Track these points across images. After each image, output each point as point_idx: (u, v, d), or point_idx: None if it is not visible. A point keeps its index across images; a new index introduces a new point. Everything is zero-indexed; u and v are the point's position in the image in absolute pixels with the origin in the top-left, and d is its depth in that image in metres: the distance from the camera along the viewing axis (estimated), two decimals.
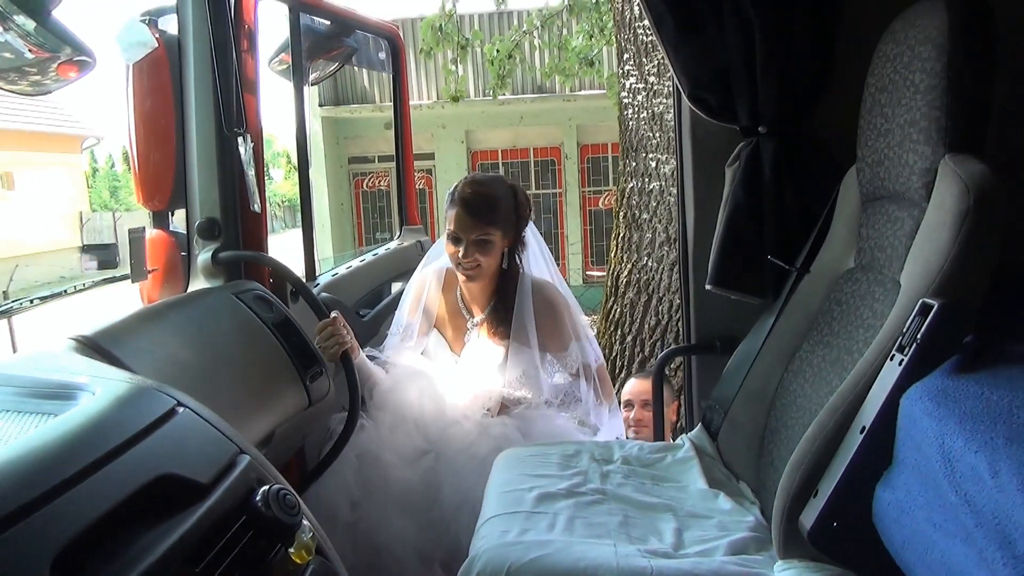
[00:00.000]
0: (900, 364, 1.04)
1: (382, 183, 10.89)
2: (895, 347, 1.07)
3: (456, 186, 1.92)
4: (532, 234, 2.03)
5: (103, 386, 0.73)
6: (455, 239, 1.87)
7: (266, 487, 0.69)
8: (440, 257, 2.04)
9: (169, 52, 1.76)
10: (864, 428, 1.05)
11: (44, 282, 12.06)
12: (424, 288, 2.05)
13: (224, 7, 1.69)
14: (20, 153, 12.48)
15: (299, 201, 2.21)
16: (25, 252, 11.63)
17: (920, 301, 1.05)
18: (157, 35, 1.77)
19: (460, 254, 1.86)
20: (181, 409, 0.73)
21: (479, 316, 2.01)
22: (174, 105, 1.76)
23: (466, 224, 1.85)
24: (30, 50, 1.33)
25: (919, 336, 1.02)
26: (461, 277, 1.94)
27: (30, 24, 1.28)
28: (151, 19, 1.79)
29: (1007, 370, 0.97)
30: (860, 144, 1.38)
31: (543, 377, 1.97)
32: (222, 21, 1.68)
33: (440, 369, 2.01)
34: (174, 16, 1.78)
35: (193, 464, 0.68)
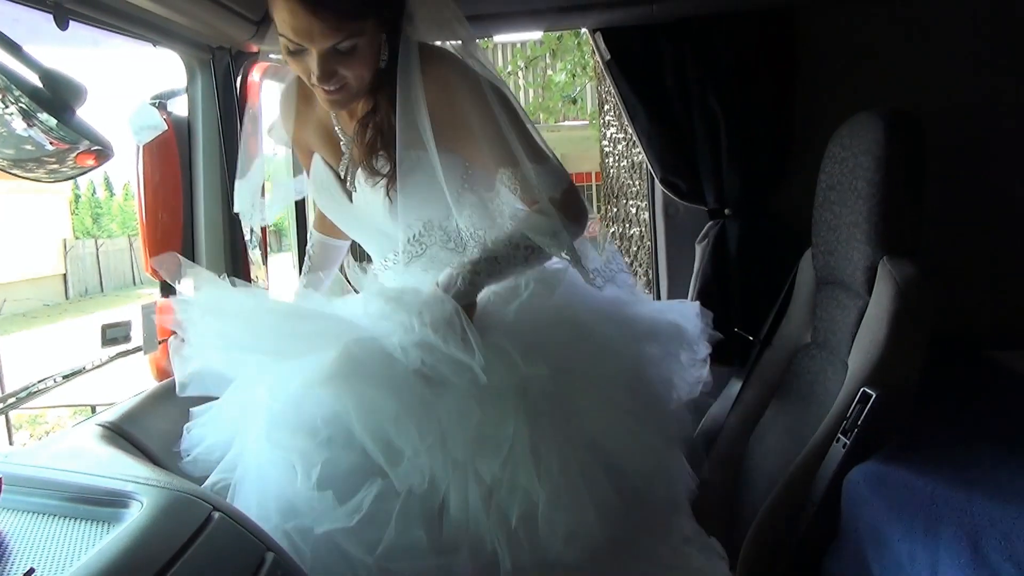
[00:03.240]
0: (844, 447, 1.18)
1: None
2: (840, 430, 1.21)
3: None
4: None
5: (148, 495, 0.84)
6: (296, 51, 1.13)
7: None
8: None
9: (178, 133, 1.88)
10: (814, 504, 1.19)
11: (26, 312, 12.02)
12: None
13: (232, 93, 1.82)
14: (2, 181, 12.49)
15: (299, 262, 2.33)
16: (8, 280, 11.59)
17: (861, 390, 1.20)
18: (166, 116, 1.89)
19: (314, 77, 1.13)
20: (216, 515, 0.84)
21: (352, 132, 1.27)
22: (182, 182, 1.88)
23: (309, 29, 1.09)
24: (51, 143, 1.44)
25: (859, 423, 1.17)
26: (323, 105, 1.22)
27: (52, 121, 1.40)
28: (161, 102, 1.91)
29: (934, 457, 1.11)
30: (814, 232, 1.53)
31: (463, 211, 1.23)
32: (230, 106, 1.81)
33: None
34: (182, 98, 1.91)
35: (230, 567, 0.79)
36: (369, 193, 1.24)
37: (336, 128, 1.31)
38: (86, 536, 0.80)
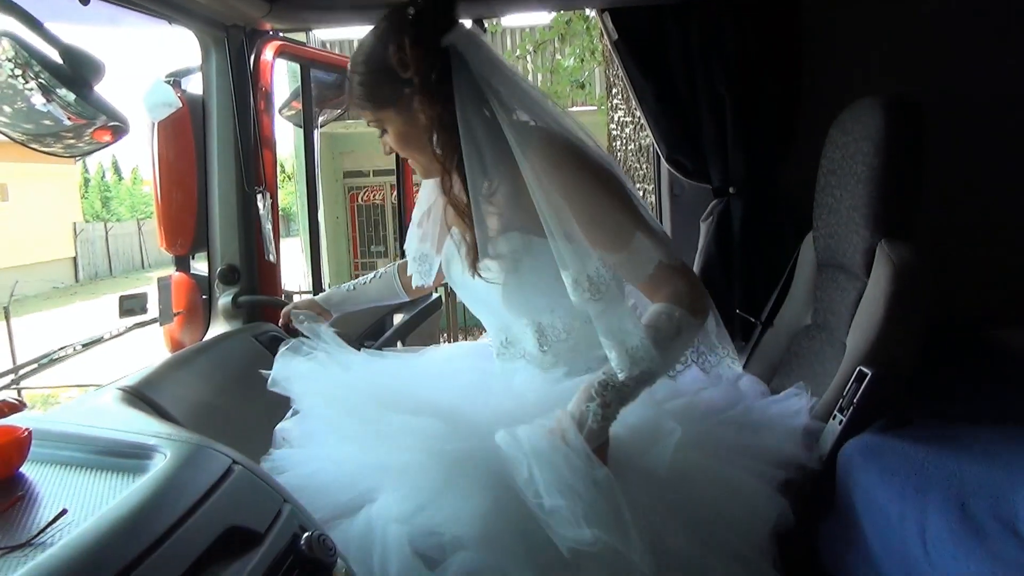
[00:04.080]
0: (840, 424, 1.21)
1: (377, 197, 11.05)
2: (837, 408, 1.24)
3: None
4: (490, 69, 1.17)
5: (171, 448, 0.88)
6: None
7: (308, 533, 0.85)
8: None
9: (192, 110, 1.91)
10: (810, 478, 1.22)
11: (37, 294, 12.12)
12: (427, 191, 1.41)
13: (245, 71, 1.85)
14: (14, 164, 12.57)
15: (309, 244, 2.37)
16: (19, 263, 11.69)
17: (857, 369, 1.23)
18: (180, 94, 1.92)
19: None
20: (236, 467, 0.88)
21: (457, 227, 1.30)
22: (196, 159, 1.91)
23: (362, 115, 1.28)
24: (69, 118, 1.47)
25: (855, 401, 1.20)
26: None
27: (71, 96, 1.43)
28: (175, 80, 1.95)
29: (927, 429, 1.14)
30: (815, 215, 1.56)
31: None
32: (244, 84, 1.84)
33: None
34: (196, 76, 1.94)
35: (250, 515, 0.83)
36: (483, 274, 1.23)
37: None
38: (113, 485, 0.84)
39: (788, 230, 1.78)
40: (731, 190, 1.82)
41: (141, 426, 1.03)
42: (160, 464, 0.84)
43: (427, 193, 1.40)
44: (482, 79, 1.16)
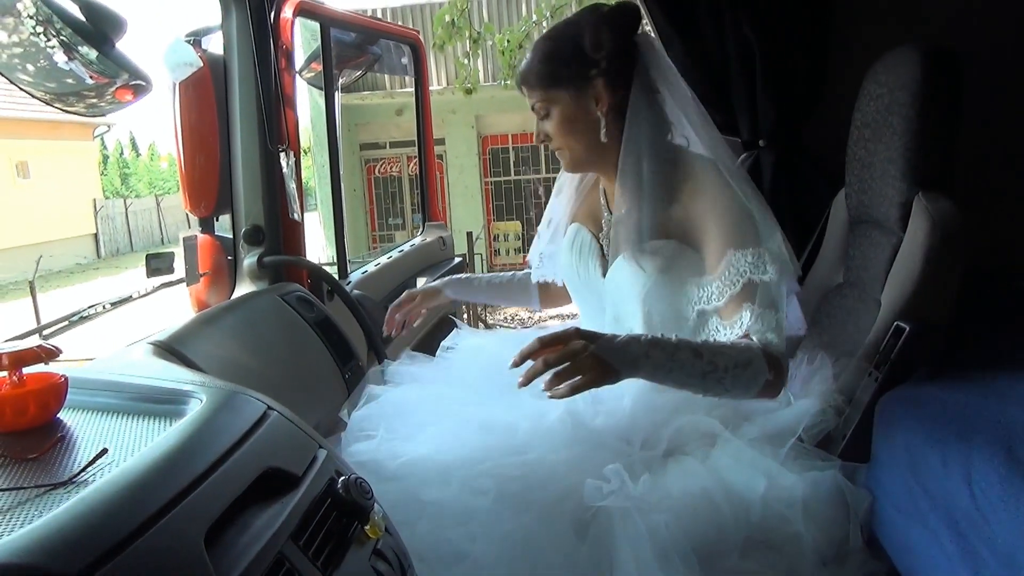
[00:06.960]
0: (876, 380, 1.19)
1: (393, 169, 11.02)
2: (873, 364, 1.22)
3: None
4: (663, 76, 1.28)
5: (207, 393, 0.88)
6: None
7: (345, 476, 0.85)
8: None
9: (213, 70, 1.90)
10: (845, 435, 1.20)
11: (60, 270, 12.29)
12: (562, 184, 1.46)
13: (266, 29, 1.83)
14: (34, 141, 12.66)
15: (331, 205, 2.37)
16: (42, 240, 11.83)
17: (894, 324, 1.20)
18: (201, 54, 1.91)
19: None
20: (272, 413, 0.89)
21: (618, 214, 1.30)
22: (219, 120, 1.90)
23: (527, 96, 1.31)
24: (91, 76, 1.46)
25: (892, 356, 1.18)
26: None
27: (93, 53, 1.41)
28: (195, 39, 1.93)
29: (966, 376, 1.12)
30: (848, 171, 1.52)
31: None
32: (265, 42, 1.82)
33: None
34: (216, 35, 1.92)
35: (287, 458, 0.83)
36: (625, 271, 1.26)
37: (603, 205, 1.38)
38: (151, 428, 0.84)
39: (819, 187, 1.74)
40: (761, 143, 1.78)
41: (176, 375, 1.03)
42: (197, 408, 0.84)
43: (563, 199, 1.45)
44: (659, 78, 1.27)
